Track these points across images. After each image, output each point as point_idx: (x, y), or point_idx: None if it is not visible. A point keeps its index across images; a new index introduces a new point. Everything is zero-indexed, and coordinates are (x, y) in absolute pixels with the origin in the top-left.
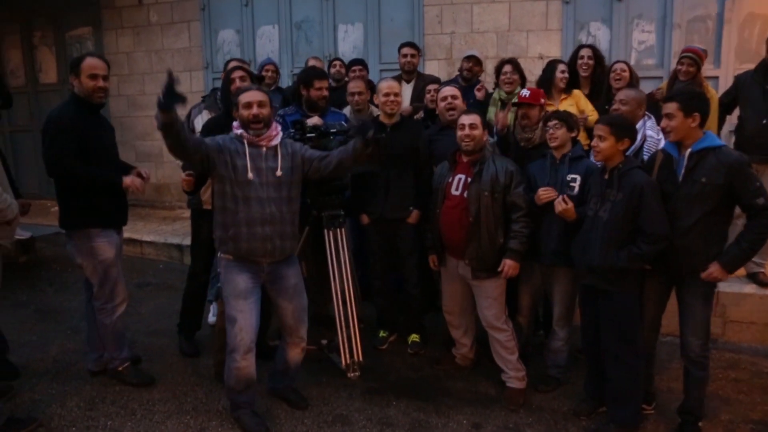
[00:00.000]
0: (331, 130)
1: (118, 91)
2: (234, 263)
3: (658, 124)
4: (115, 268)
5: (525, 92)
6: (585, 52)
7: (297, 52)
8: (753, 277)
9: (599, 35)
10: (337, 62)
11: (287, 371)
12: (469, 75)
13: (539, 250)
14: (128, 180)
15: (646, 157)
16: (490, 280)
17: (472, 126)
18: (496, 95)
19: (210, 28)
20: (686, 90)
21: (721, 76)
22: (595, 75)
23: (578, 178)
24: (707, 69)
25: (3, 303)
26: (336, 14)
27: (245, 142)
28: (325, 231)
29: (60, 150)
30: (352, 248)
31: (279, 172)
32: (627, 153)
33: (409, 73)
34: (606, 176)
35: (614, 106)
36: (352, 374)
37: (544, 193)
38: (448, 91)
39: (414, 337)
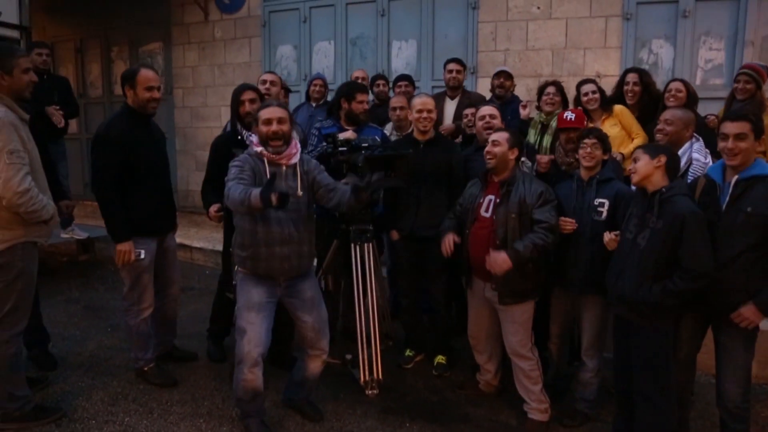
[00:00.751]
0: (363, 145)
1: (183, 103)
2: (251, 277)
3: (711, 151)
4: (147, 274)
5: (570, 115)
6: (631, 77)
7: (351, 68)
8: None
9: (662, 53)
10: (381, 81)
11: (305, 383)
12: (501, 92)
13: (567, 278)
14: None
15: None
16: (517, 306)
17: (494, 143)
18: (536, 117)
19: (270, 44)
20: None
21: None
22: (642, 102)
23: (606, 202)
24: None
25: (57, 298)
26: (390, 31)
27: (265, 160)
28: (352, 245)
29: (103, 167)
30: (388, 265)
31: (300, 193)
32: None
33: (454, 89)
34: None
35: (659, 126)
36: (369, 392)
37: (564, 224)
38: (487, 110)
39: (440, 359)
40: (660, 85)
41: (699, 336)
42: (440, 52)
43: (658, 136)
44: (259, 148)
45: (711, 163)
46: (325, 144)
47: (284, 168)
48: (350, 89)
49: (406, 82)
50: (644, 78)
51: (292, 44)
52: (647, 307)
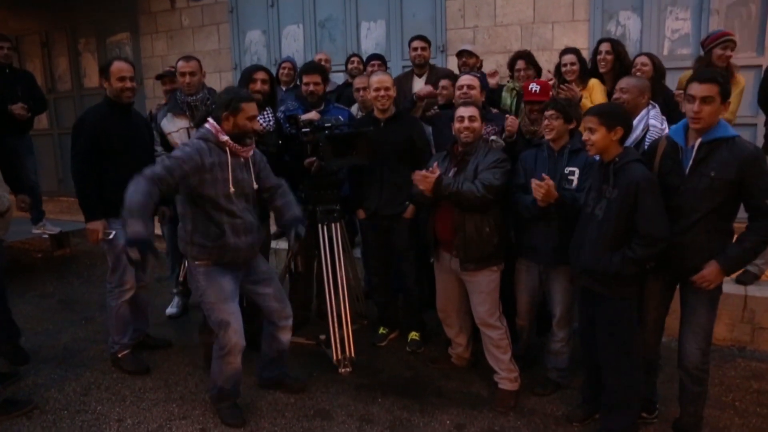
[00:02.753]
0: (326, 125)
1: (154, 93)
2: (215, 268)
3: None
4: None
5: (535, 87)
6: (603, 46)
7: (321, 51)
8: (744, 275)
9: (629, 25)
10: (356, 58)
11: (280, 357)
12: (466, 69)
13: (536, 249)
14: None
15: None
16: (482, 274)
17: (471, 118)
18: (510, 84)
19: (238, 30)
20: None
21: (765, 64)
22: (614, 71)
23: (576, 171)
24: (748, 57)
25: (31, 294)
26: (359, 12)
27: (228, 150)
28: (319, 226)
29: (78, 151)
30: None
31: (255, 185)
32: (626, 144)
33: (420, 66)
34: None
35: (615, 95)
36: (343, 370)
37: (537, 189)
38: (466, 80)
39: (413, 335)
40: (631, 56)
41: (666, 299)
42: (409, 31)
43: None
44: (225, 137)
45: (667, 129)
46: (287, 125)
47: (242, 159)
48: (300, 71)
49: (379, 62)
50: (616, 47)
51: (260, 29)
52: (609, 276)
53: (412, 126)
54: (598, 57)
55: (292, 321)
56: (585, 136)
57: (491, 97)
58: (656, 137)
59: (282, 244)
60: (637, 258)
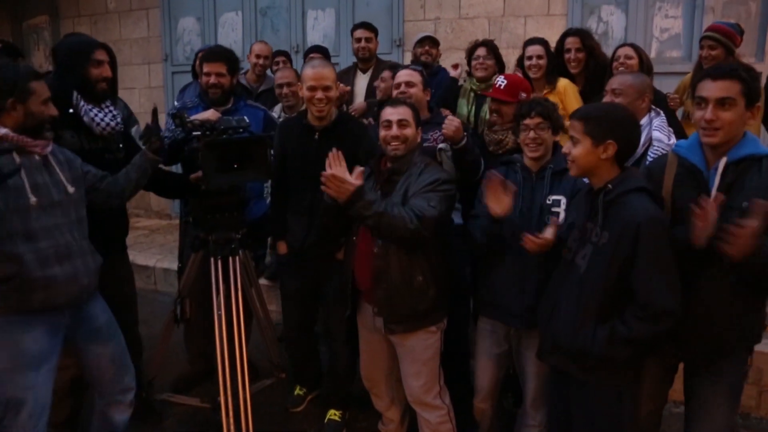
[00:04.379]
0: (224, 127)
1: None
2: (16, 320)
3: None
4: None
5: (500, 81)
6: (571, 42)
7: (261, 41)
8: None
9: (612, 21)
10: (281, 59)
11: None
12: (428, 59)
13: (504, 305)
14: None
15: None
16: (415, 338)
17: (401, 123)
18: (467, 85)
19: (170, 16)
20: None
21: (765, 71)
22: (588, 70)
23: (562, 200)
24: (747, 63)
25: None
26: None
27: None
28: (212, 260)
29: None
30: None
31: (71, 189)
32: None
33: (365, 61)
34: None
35: (605, 98)
36: None
37: (529, 243)
38: (404, 76)
39: (333, 414)
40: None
41: (666, 385)
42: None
43: None
44: (4, 130)
45: (673, 144)
46: (173, 127)
47: (37, 157)
48: (200, 59)
49: (320, 55)
50: (587, 41)
51: (194, 16)
52: (590, 358)
53: (359, 138)
54: (567, 56)
55: (132, 396)
56: (565, 148)
57: (445, 96)
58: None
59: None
60: (631, 336)
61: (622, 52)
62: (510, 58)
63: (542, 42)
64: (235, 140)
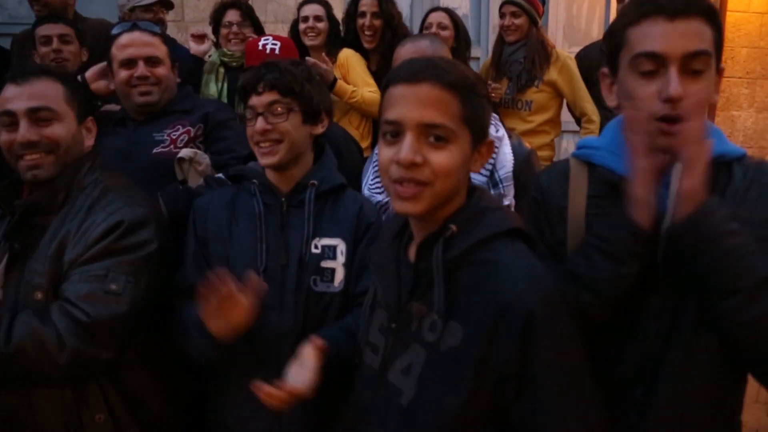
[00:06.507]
0: None
1: None
2: None
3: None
4: None
5: (271, 44)
6: (367, 5)
7: None
8: None
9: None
10: None
11: None
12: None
13: None
14: None
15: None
16: None
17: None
18: (214, 57)
19: None
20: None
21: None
22: (385, 43)
23: (340, 246)
24: None
25: None
26: None
27: None
28: None
29: None
30: None
31: None
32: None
33: None
34: (410, 257)
35: None
36: None
37: None
38: None
39: None
40: None
41: None
42: None
43: None
44: None
45: (503, 137)
46: None
47: None
48: None
49: None
50: (384, 5)
51: None
52: None
53: None
54: (360, 21)
55: None
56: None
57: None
58: (506, 162)
59: None
60: None
61: (434, 18)
62: (280, 33)
63: (322, 1)
64: None
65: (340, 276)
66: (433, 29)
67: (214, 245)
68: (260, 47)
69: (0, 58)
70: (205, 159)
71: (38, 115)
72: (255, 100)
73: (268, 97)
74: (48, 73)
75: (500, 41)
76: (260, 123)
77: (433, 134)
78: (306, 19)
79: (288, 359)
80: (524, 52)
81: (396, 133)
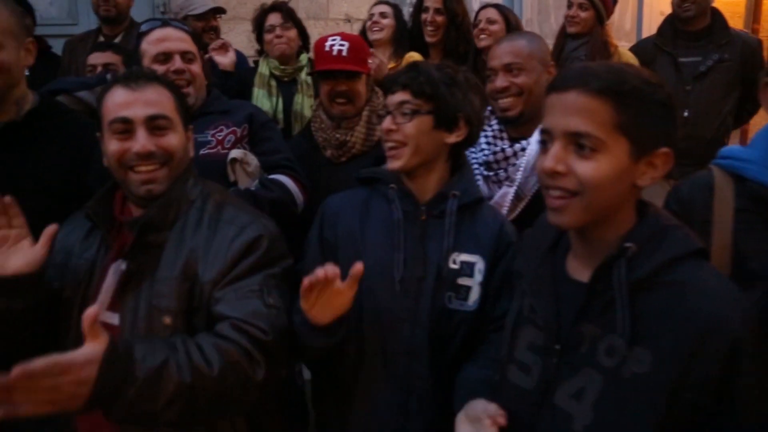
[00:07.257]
0: None
1: None
2: None
3: None
4: None
5: (337, 44)
6: (430, 0)
7: None
8: None
9: None
10: None
11: None
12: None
13: None
14: None
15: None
16: None
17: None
18: (263, 68)
19: None
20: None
21: None
22: (449, 39)
23: (478, 264)
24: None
25: None
26: None
27: None
28: None
29: None
30: None
31: None
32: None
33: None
34: (569, 272)
35: (491, 85)
36: None
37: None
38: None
39: None
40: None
41: None
42: None
43: (504, 101)
44: None
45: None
46: None
47: None
48: None
49: None
50: (447, 2)
51: None
52: None
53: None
54: (423, 16)
55: None
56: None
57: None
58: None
59: None
60: None
61: (483, 14)
62: (312, 31)
63: (391, 3)
64: None
65: (475, 295)
66: (482, 25)
67: (344, 251)
68: (327, 48)
69: (50, 62)
70: (254, 160)
71: (155, 123)
72: (388, 99)
73: (399, 97)
74: (158, 79)
75: (563, 34)
76: (387, 121)
77: (578, 143)
78: (372, 15)
79: (417, 376)
80: (586, 50)
81: (547, 141)
